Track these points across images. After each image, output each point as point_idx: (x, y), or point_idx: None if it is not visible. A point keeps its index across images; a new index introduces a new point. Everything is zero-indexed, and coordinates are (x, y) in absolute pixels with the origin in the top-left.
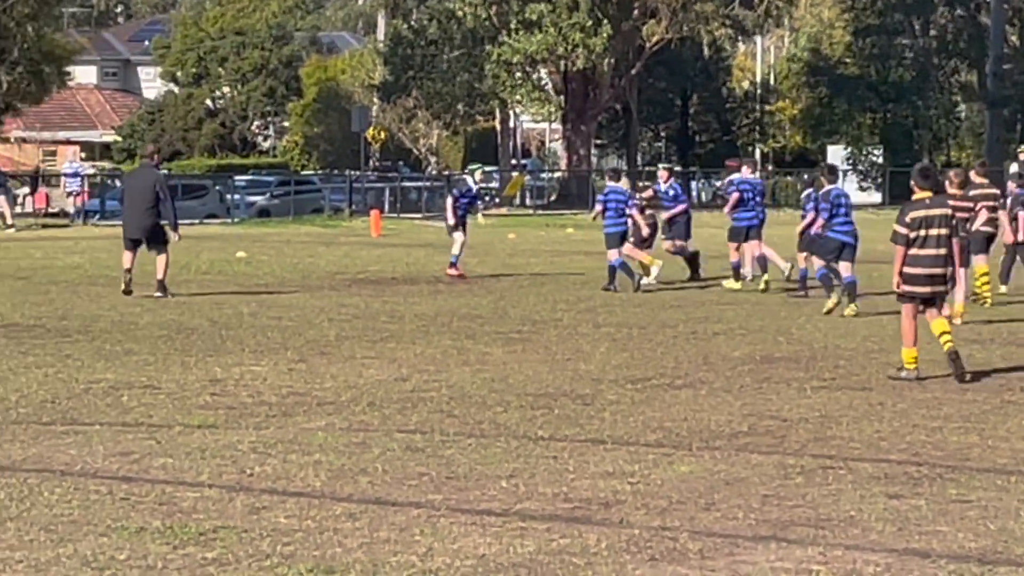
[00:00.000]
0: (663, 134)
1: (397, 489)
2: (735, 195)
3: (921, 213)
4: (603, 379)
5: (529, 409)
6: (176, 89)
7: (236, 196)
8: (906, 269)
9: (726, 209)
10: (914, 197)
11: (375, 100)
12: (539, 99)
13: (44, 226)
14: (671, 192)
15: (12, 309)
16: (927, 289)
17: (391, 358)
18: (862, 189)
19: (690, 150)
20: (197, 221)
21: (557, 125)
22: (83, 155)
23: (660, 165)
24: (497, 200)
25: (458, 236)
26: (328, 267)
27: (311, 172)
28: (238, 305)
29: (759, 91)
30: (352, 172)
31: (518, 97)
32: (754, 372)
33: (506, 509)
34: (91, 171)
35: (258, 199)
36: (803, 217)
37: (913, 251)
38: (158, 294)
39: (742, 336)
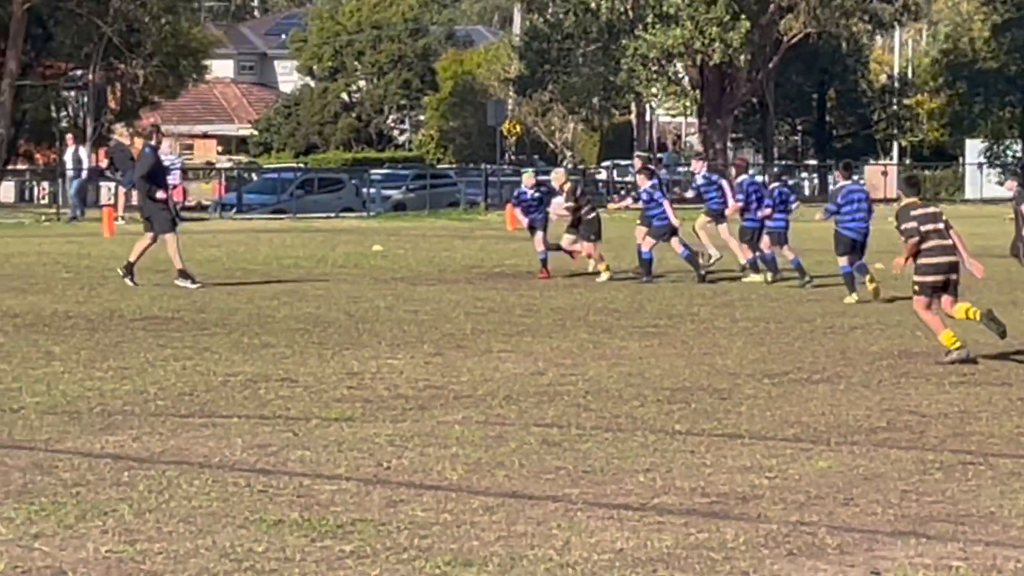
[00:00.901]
0: (800, 128)
1: (534, 483)
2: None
3: (919, 212)
4: (740, 373)
5: (666, 403)
6: (312, 83)
7: (372, 190)
8: (921, 260)
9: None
10: (904, 202)
11: (511, 94)
12: (675, 93)
13: (182, 219)
14: (700, 181)
15: (151, 302)
16: (941, 278)
17: (527, 352)
18: (1001, 184)
19: (827, 144)
20: (333, 215)
21: (693, 119)
22: (219, 149)
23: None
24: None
25: (537, 236)
26: (464, 261)
27: (447, 166)
28: (374, 299)
29: (896, 85)
30: (487, 166)
31: (654, 91)
32: (892, 367)
33: (643, 503)
34: (227, 165)
35: (394, 193)
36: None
37: (923, 245)
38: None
39: (880, 331)
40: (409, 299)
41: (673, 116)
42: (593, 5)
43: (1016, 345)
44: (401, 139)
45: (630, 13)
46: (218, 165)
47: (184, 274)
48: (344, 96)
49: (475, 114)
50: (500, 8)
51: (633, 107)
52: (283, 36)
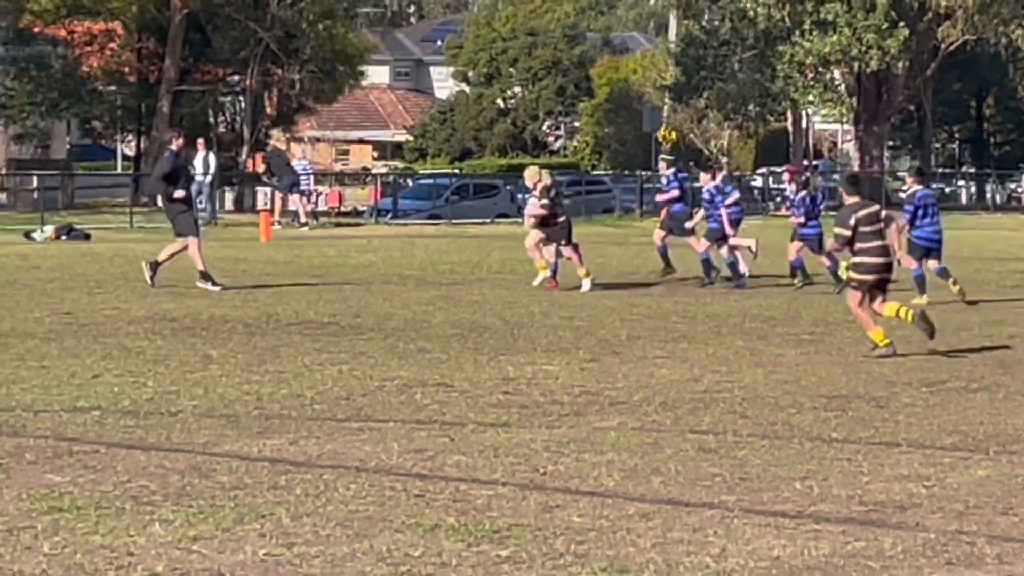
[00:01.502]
0: (957, 136)
1: (690, 489)
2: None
3: (862, 212)
4: (897, 382)
5: (822, 411)
6: (467, 89)
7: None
8: (859, 259)
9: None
10: (848, 202)
11: (666, 100)
12: (831, 100)
13: (337, 224)
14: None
15: (307, 307)
16: (876, 277)
17: (683, 358)
18: None
19: (985, 152)
20: (488, 220)
21: (849, 126)
22: (375, 154)
23: (661, 157)
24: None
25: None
26: (618, 267)
27: (602, 172)
28: (529, 304)
29: None
30: (643, 172)
31: (810, 98)
32: None
33: (800, 511)
34: (383, 170)
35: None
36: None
37: (860, 245)
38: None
39: None
40: (564, 305)
41: (829, 123)
42: (750, 12)
43: None
44: (556, 145)
45: (787, 20)
46: (374, 171)
47: (206, 276)
48: (499, 102)
49: (630, 120)
50: (656, 15)
51: (789, 114)
52: (439, 42)
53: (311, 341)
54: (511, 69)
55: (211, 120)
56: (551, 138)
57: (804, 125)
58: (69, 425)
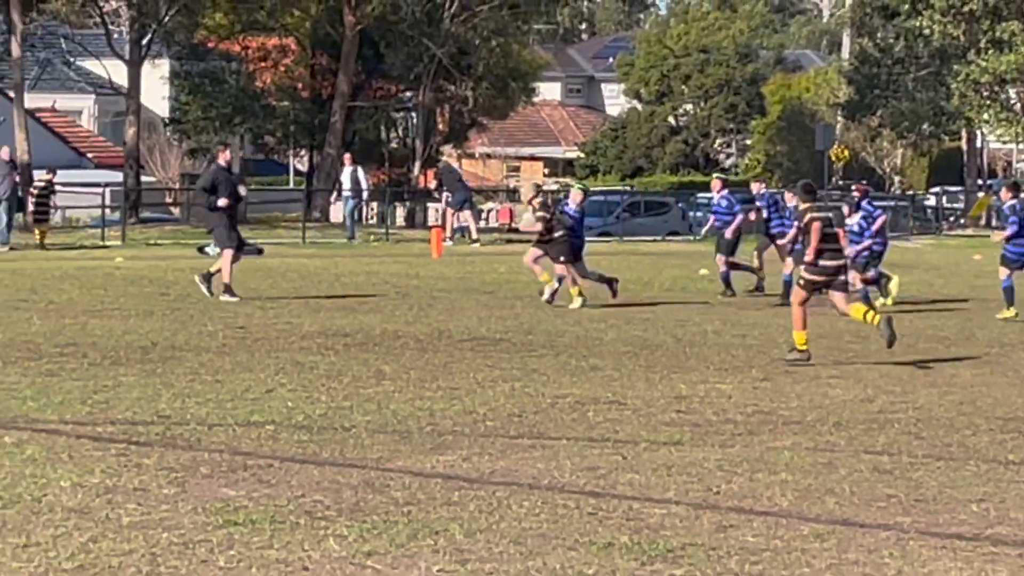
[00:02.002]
0: None
1: (865, 510)
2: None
3: (817, 215)
4: None
5: (999, 432)
6: (639, 106)
7: (698, 213)
8: (819, 262)
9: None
10: (801, 207)
11: (839, 118)
12: (1007, 120)
13: (508, 241)
14: (723, 203)
15: (479, 323)
16: (825, 279)
17: (857, 378)
18: None
19: None
20: (659, 238)
21: None
22: (546, 171)
23: (714, 175)
24: (962, 221)
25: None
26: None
27: (773, 190)
28: (702, 323)
29: None
30: None
31: (985, 117)
32: None
33: (976, 534)
34: (554, 187)
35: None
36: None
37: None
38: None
39: None
40: (737, 323)
41: (1004, 142)
42: (925, 30)
43: None
44: (727, 163)
45: (962, 38)
46: (545, 187)
47: (228, 289)
48: (671, 119)
49: (803, 138)
50: (829, 32)
51: (963, 133)
52: (610, 59)
53: (483, 358)
54: (683, 86)
55: (383, 136)
56: (723, 156)
57: (979, 144)
58: (243, 439)
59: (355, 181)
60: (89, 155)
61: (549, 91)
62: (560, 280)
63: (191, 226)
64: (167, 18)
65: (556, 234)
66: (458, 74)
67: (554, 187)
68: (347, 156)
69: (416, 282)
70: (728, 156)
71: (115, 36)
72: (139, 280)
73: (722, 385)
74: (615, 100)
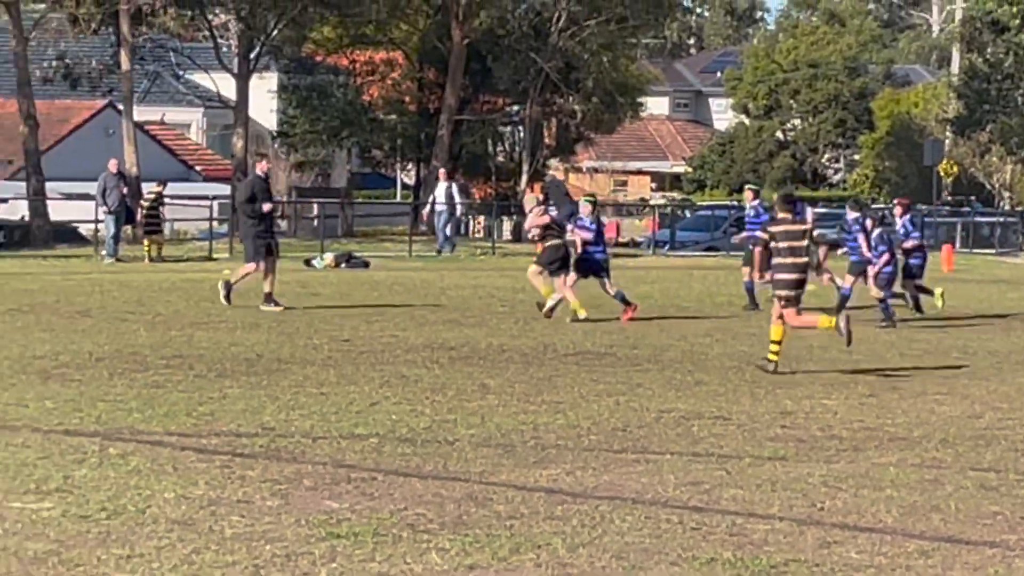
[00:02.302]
0: None
1: (970, 527)
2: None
3: (784, 228)
4: None
5: None
6: (747, 121)
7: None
8: (776, 275)
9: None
10: (779, 216)
11: (948, 134)
12: None
13: (615, 255)
14: (753, 214)
15: (584, 337)
16: (789, 292)
17: (963, 394)
18: None
19: None
20: None
21: None
22: (653, 185)
23: (747, 186)
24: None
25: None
26: (895, 301)
27: (881, 205)
28: (808, 337)
29: None
30: (923, 206)
31: None
32: None
33: None
34: (661, 201)
35: (828, 232)
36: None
37: (779, 260)
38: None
39: None
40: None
41: None
42: None
43: None
44: (835, 178)
45: None
46: (652, 202)
47: (229, 296)
48: (778, 134)
49: (911, 154)
50: (939, 47)
51: None
52: (718, 73)
53: (587, 372)
54: (791, 101)
55: (490, 150)
56: (831, 171)
57: None
58: (347, 452)
59: (449, 196)
60: (197, 168)
61: (657, 105)
62: (624, 300)
63: (297, 239)
64: (275, 32)
65: (548, 242)
66: (565, 88)
67: (661, 201)
68: (441, 171)
69: (522, 296)
70: (836, 171)
71: (223, 49)
72: (246, 292)
73: (828, 400)
74: (723, 114)
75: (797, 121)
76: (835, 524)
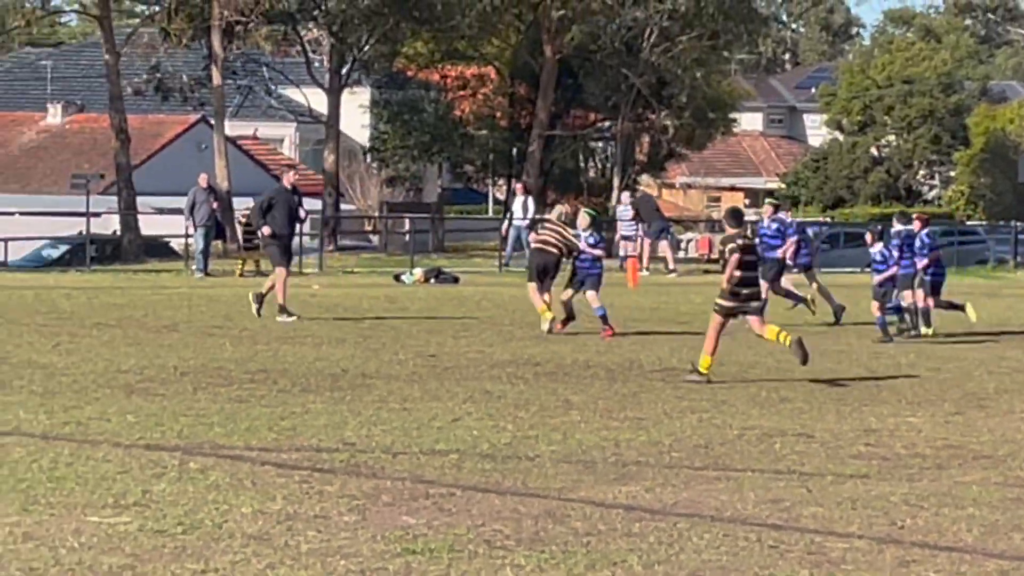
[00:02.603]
0: None
1: None
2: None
3: (740, 243)
4: None
5: None
6: (841, 137)
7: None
8: (725, 286)
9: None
10: (728, 233)
11: None
12: None
13: (706, 271)
14: (773, 227)
15: (670, 353)
16: (739, 305)
17: None
18: None
19: None
20: (858, 270)
21: None
22: (747, 202)
23: (767, 200)
24: None
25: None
26: (989, 319)
27: (976, 223)
28: (896, 355)
29: None
30: (1018, 224)
31: None
32: None
33: None
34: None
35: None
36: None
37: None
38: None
39: None
40: (931, 356)
41: None
42: None
43: None
44: (930, 195)
45: None
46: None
47: (284, 310)
48: (873, 150)
49: (1006, 170)
50: None
51: None
52: (813, 89)
53: (672, 388)
54: (886, 117)
55: (581, 165)
56: (925, 188)
57: None
58: (427, 467)
59: (526, 210)
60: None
61: (751, 121)
62: (604, 318)
63: (387, 254)
64: (367, 47)
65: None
66: (657, 104)
67: (754, 218)
68: (519, 186)
69: (610, 312)
70: (931, 188)
71: (315, 64)
72: (334, 307)
73: (913, 418)
74: (817, 130)
75: (892, 137)
76: (915, 543)
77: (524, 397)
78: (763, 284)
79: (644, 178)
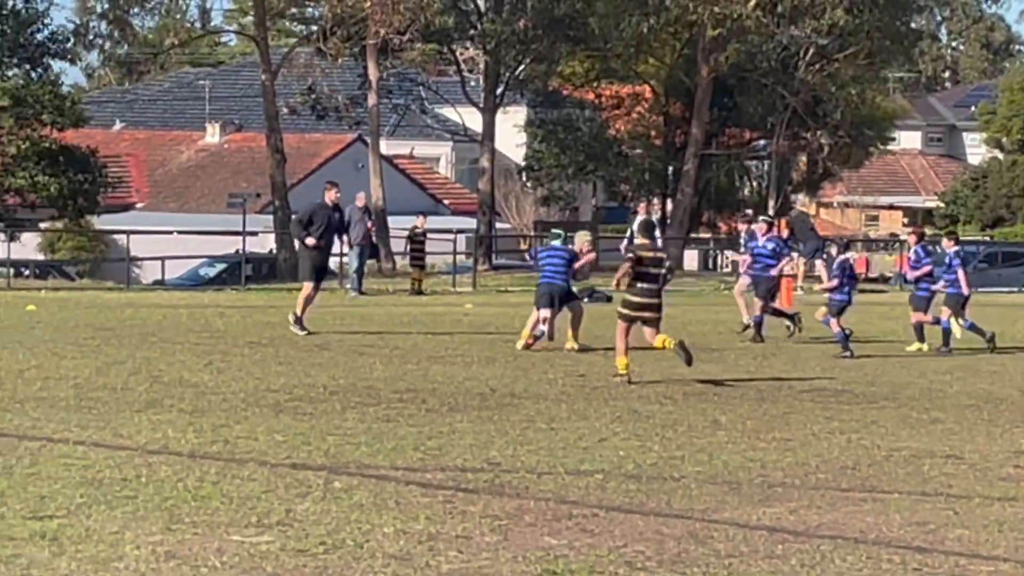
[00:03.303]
0: None
1: None
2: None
3: (646, 254)
4: None
5: None
6: (1000, 155)
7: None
8: (627, 296)
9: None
10: (638, 242)
11: None
12: None
13: (862, 291)
14: (769, 246)
15: (821, 372)
16: (636, 313)
17: None
18: None
19: None
20: (1017, 289)
21: None
22: (905, 220)
23: (761, 218)
24: None
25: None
26: None
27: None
28: None
29: None
30: None
31: None
32: None
33: None
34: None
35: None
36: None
37: (636, 284)
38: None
39: None
40: None
41: None
42: None
43: None
44: None
45: None
46: (902, 237)
47: (299, 322)
48: None
49: None
50: None
51: None
52: (972, 108)
53: (822, 408)
54: None
55: (736, 184)
56: None
57: None
58: (571, 488)
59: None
60: (445, 201)
61: (909, 140)
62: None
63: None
64: (522, 67)
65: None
66: (812, 122)
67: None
68: (642, 206)
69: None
70: None
71: (471, 84)
72: (485, 327)
73: None
74: (976, 149)
75: None
76: None
77: (672, 417)
78: (756, 301)
79: (800, 197)
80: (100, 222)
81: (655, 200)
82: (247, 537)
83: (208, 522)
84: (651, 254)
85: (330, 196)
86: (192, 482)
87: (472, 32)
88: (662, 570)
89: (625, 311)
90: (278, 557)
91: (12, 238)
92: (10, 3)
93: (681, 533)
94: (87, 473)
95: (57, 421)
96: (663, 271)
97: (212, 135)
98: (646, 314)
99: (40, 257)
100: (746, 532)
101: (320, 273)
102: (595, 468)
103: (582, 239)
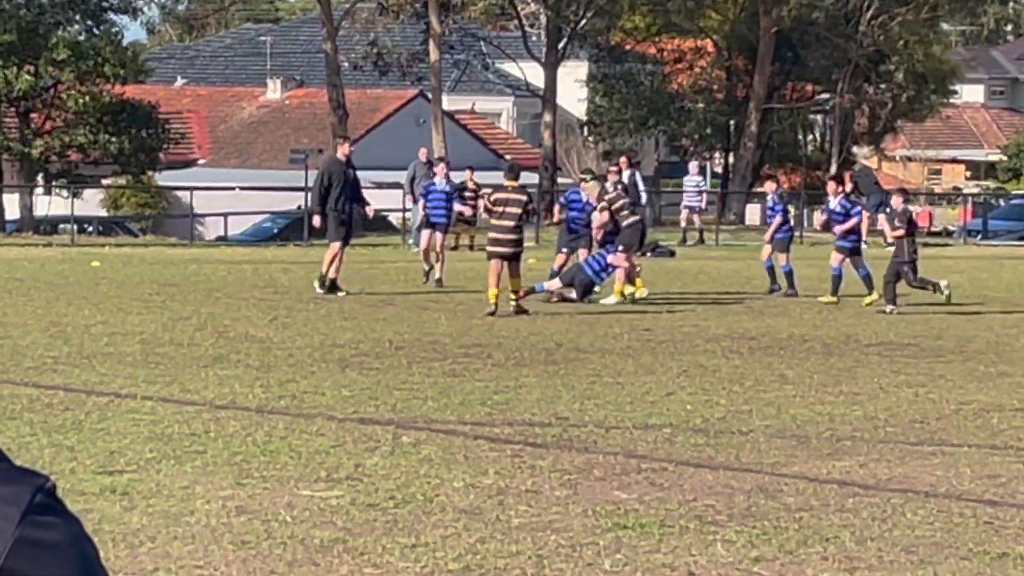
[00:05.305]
0: None
1: None
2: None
3: (503, 195)
4: None
5: None
6: None
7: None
8: (492, 235)
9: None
10: (506, 185)
11: None
12: None
13: (925, 244)
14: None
15: (888, 327)
16: (501, 249)
17: None
18: None
19: None
20: None
21: None
22: (968, 174)
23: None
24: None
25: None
26: None
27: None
28: None
29: None
30: None
31: None
32: None
33: None
34: (975, 190)
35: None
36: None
37: (495, 222)
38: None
39: None
40: None
41: None
42: None
43: None
44: None
45: None
46: (965, 191)
47: (323, 282)
48: None
49: None
50: None
51: None
52: None
53: (889, 362)
54: None
55: (799, 138)
56: None
57: None
58: (639, 442)
59: (633, 185)
60: (507, 157)
61: (972, 93)
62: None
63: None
64: (584, 21)
65: (629, 221)
66: (875, 76)
67: (974, 190)
68: (623, 160)
69: (826, 285)
70: None
71: (532, 39)
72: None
73: None
74: None
75: None
76: None
77: (738, 371)
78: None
79: (862, 151)
80: (162, 178)
81: (716, 154)
82: (316, 492)
83: (277, 477)
84: (516, 196)
85: (343, 151)
86: (260, 437)
87: None
88: (732, 524)
89: (494, 248)
90: (348, 511)
91: (75, 195)
92: None
93: (751, 487)
94: (156, 428)
95: (124, 376)
96: (520, 212)
97: (273, 91)
98: (511, 250)
99: (103, 213)
100: (816, 486)
101: (347, 232)
102: (663, 422)
103: (592, 190)
